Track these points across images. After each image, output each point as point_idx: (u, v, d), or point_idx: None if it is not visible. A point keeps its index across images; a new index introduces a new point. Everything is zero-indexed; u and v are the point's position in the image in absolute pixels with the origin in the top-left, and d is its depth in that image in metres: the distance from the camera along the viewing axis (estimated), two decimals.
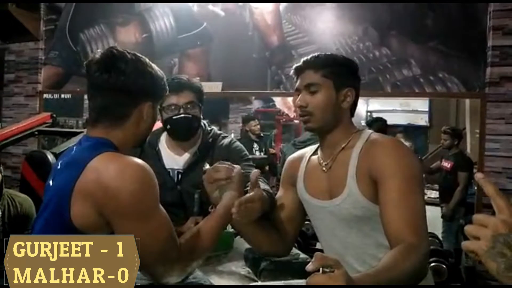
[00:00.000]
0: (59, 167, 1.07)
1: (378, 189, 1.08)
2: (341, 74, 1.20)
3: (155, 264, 0.97)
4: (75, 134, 2.83)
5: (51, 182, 1.06)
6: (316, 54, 1.23)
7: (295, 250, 1.61)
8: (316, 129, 1.22)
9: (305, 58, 1.23)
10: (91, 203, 0.95)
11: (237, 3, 3.15)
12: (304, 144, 3.81)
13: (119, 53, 1.06)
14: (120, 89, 1.04)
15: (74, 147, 1.09)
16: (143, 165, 0.98)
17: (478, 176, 0.69)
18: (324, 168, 1.22)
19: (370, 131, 1.22)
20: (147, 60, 1.10)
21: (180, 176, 1.66)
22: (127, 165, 0.96)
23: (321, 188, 1.21)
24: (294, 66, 1.26)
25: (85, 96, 4.51)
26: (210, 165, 1.40)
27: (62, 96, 4.63)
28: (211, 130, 1.73)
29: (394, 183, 1.04)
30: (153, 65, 1.11)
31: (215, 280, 1.41)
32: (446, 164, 3.70)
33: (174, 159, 1.68)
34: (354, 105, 1.23)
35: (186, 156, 1.68)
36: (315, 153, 1.30)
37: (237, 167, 1.19)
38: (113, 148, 1.04)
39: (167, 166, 1.67)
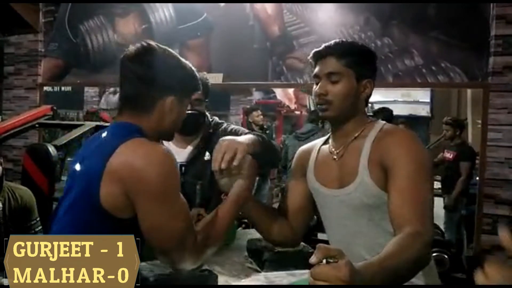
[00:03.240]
0: (86, 152, 1.11)
1: (387, 178, 1.08)
2: (363, 64, 1.18)
3: (173, 249, 1.01)
4: (76, 126, 2.83)
5: (77, 167, 1.08)
6: (338, 40, 1.20)
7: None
8: (333, 118, 1.20)
9: (327, 44, 1.19)
10: (119, 185, 0.99)
11: None
12: (306, 135, 3.81)
13: (150, 46, 1.10)
14: (144, 80, 1.08)
15: (104, 133, 1.12)
16: (169, 151, 1.03)
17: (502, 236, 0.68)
18: (335, 157, 1.21)
19: (383, 122, 1.20)
20: (177, 55, 1.13)
21: (183, 169, 1.67)
22: (154, 150, 1.01)
23: (331, 176, 1.20)
24: (314, 51, 1.21)
25: (86, 89, 4.53)
26: (211, 153, 1.39)
27: (63, 88, 4.62)
28: (212, 120, 1.75)
29: (403, 171, 1.05)
30: (184, 61, 1.14)
31: (218, 271, 1.42)
32: (448, 155, 3.70)
33: (177, 152, 1.64)
34: (369, 95, 1.22)
35: (189, 149, 1.70)
36: (326, 142, 1.29)
37: (248, 156, 1.15)
38: (142, 134, 1.07)
39: None
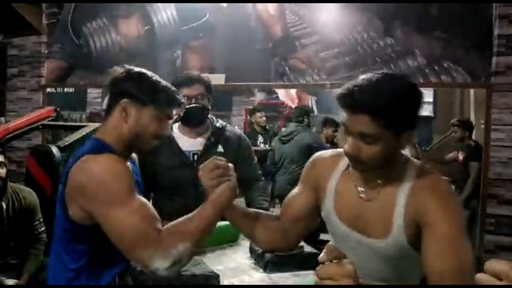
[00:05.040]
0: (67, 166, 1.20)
1: (423, 234, 0.98)
2: (404, 119, 0.96)
3: (135, 245, 1.05)
4: (79, 127, 2.84)
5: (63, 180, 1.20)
6: (371, 86, 0.94)
7: (301, 245, 1.61)
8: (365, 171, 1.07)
9: (358, 95, 0.93)
10: (76, 202, 1.11)
11: None
12: (288, 137, 3.75)
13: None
14: (109, 88, 1.22)
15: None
16: (108, 160, 1.11)
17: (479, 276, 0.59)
18: (362, 196, 1.08)
19: (417, 163, 1.07)
20: (149, 73, 1.23)
21: (196, 156, 1.88)
22: (92, 162, 1.10)
23: (356, 217, 1.09)
24: (342, 97, 0.96)
25: (88, 90, 4.53)
26: (223, 148, 1.87)
27: (66, 90, 4.62)
28: (217, 120, 1.98)
29: (442, 230, 0.95)
30: (155, 76, 1.23)
31: (221, 272, 1.42)
32: (460, 156, 3.68)
33: (189, 142, 1.91)
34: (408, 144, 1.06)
35: (200, 140, 1.90)
36: (348, 167, 1.13)
37: (231, 165, 1.17)
38: (106, 147, 1.16)
39: (184, 149, 1.88)
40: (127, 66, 1.27)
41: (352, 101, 0.94)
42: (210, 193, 1.11)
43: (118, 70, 1.27)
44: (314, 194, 1.18)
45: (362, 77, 0.97)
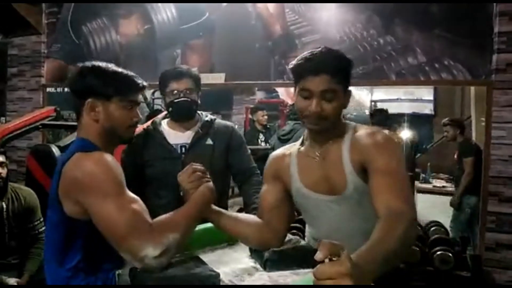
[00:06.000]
0: (58, 165, 1.22)
1: (368, 172, 1.15)
2: (348, 77, 1.20)
3: (127, 237, 1.08)
4: None
5: (56, 175, 1.21)
6: (327, 53, 1.16)
7: (296, 238, 1.61)
8: (324, 130, 1.23)
9: (319, 59, 1.14)
10: (71, 198, 1.14)
11: None
12: (288, 135, 3.73)
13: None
14: (70, 90, 1.26)
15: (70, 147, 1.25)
16: (100, 157, 1.15)
17: None
18: (316, 159, 1.26)
19: (353, 124, 1.28)
20: (100, 63, 1.26)
21: (183, 149, 1.88)
22: (85, 159, 1.14)
23: (319, 180, 1.25)
24: (305, 64, 1.16)
25: None
26: (212, 140, 1.88)
27: (66, 89, 4.61)
28: (207, 115, 1.98)
29: (381, 163, 1.12)
30: (110, 67, 1.25)
31: (221, 270, 1.42)
32: (455, 155, 3.69)
33: (177, 136, 1.91)
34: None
35: (189, 133, 1.90)
36: (301, 145, 1.33)
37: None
38: (93, 145, 1.20)
39: (171, 142, 1.89)
40: (82, 64, 1.27)
41: (316, 65, 1.13)
42: (189, 196, 1.24)
43: (75, 69, 1.27)
44: (280, 183, 1.34)
45: (309, 51, 1.18)
